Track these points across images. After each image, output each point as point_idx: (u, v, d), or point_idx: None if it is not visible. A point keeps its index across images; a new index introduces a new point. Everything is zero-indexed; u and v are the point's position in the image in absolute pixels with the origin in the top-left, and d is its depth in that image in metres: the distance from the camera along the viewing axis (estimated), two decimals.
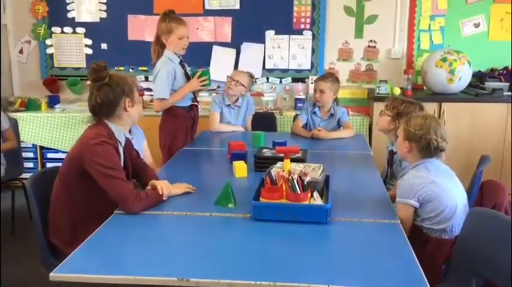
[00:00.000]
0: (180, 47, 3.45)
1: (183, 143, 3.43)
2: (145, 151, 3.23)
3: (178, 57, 3.49)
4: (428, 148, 2.27)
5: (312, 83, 4.63)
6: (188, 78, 3.53)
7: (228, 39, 4.93)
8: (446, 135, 2.29)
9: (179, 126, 3.50)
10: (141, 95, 4.88)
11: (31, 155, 4.72)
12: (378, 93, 4.50)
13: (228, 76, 3.93)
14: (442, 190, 2.20)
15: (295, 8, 4.83)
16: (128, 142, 2.41)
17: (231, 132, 3.75)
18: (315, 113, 3.75)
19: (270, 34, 4.90)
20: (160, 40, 3.45)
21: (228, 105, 3.87)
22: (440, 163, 2.32)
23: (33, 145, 4.70)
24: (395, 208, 2.24)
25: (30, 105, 4.83)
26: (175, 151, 3.29)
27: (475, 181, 2.62)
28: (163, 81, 3.39)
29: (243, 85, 3.85)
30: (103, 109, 2.20)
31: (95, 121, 2.25)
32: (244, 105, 3.95)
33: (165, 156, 3.45)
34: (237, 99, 3.90)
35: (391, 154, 2.96)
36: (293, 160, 2.43)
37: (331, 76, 3.74)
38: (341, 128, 3.71)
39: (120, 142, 2.26)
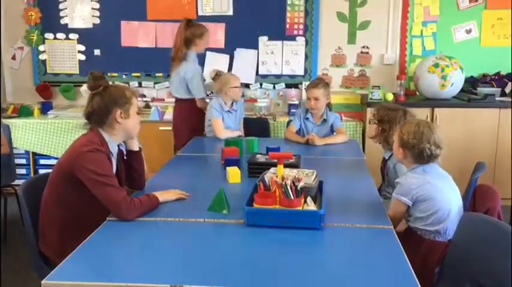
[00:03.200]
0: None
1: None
2: None
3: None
4: (421, 156, 2.28)
5: (305, 89, 4.64)
6: None
7: (222, 45, 4.94)
8: (441, 141, 2.30)
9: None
10: None
11: (24, 161, 4.70)
12: (371, 99, 4.52)
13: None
14: (437, 191, 2.23)
15: (288, 14, 4.85)
16: (121, 153, 2.41)
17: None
18: (307, 119, 3.75)
19: (263, 40, 4.92)
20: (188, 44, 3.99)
21: (227, 111, 3.89)
22: (438, 167, 2.34)
23: (25, 151, 4.68)
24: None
25: (22, 111, 4.81)
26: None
27: (470, 188, 2.63)
28: (201, 81, 4.03)
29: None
30: (95, 117, 2.24)
31: (89, 128, 2.27)
32: (239, 109, 3.99)
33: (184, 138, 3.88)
34: (232, 103, 3.92)
35: (384, 161, 2.98)
36: (286, 166, 2.43)
37: (321, 81, 3.75)
38: (334, 133, 3.72)
39: (112, 153, 2.26)
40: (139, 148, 2.51)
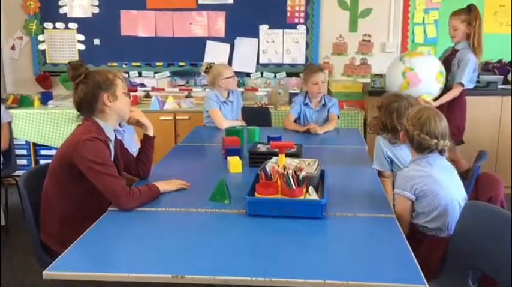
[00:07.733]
0: None
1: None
2: (137, 143, 3.21)
3: None
4: (421, 146, 2.20)
5: (303, 75, 4.61)
6: None
7: (222, 34, 4.91)
8: (443, 134, 2.18)
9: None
10: (134, 90, 4.86)
11: (24, 152, 4.69)
12: (372, 87, 4.50)
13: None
14: (440, 186, 2.15)
15: (288, 2, 4.81)
16: (118, 139, 2.40)
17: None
18: (307, 104, 3.76)
19: (263, 29, 4.88)
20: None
21: (223, 102, 3.86)
22: (443, 159, 2.25)
23: (26, 141, 4.67)
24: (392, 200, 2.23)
25: (22, 102, 4.79)
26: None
27: (472, 177, 2.61)
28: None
29: None
30: (84, 106, 2.23)
31: (83, 119, 2.26)
32: (235, 100, 3.96)
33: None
34: (228, 94, 3.90)
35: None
36: (288, 155, 2.42)
37: (319, 65, 3.82)
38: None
39: (109, 138, 2.26)
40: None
